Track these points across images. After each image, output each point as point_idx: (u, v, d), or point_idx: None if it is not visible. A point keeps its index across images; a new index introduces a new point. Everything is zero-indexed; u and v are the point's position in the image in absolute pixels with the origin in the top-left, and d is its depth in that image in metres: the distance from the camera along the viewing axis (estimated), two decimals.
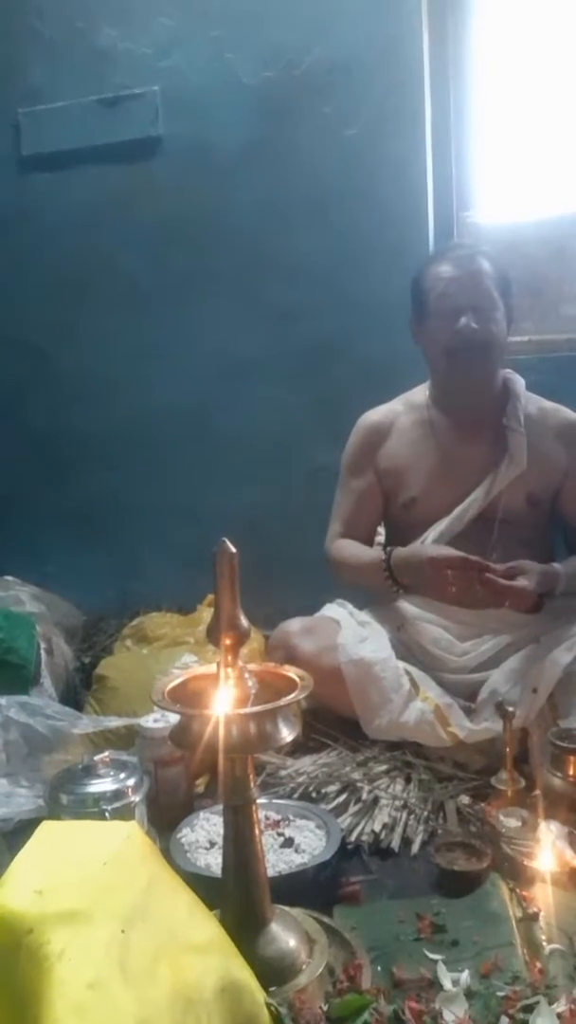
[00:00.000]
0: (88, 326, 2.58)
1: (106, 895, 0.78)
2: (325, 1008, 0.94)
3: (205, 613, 2.15)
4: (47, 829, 0.91)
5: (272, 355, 2.40)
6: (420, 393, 1.93)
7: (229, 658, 1.02)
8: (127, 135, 2.47)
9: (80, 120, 2.49)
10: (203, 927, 0.86)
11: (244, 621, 1.02)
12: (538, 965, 1.09)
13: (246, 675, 1.04)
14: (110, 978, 0.71)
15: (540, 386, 1.92)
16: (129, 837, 0.87)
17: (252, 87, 2.35)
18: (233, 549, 1.00)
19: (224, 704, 0.99)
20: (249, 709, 0.98)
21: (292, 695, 1.01)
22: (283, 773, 1.64)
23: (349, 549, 1.89)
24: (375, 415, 1.94)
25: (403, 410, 1.93)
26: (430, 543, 1.77)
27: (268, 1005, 0.88)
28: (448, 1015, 0.96)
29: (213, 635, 1.02)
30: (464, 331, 1.72)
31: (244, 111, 2.36)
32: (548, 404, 1.88)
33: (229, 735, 0.96)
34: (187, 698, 1.04)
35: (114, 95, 2.46)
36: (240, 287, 2.43)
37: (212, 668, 1.06)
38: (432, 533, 1.80)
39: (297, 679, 1.06)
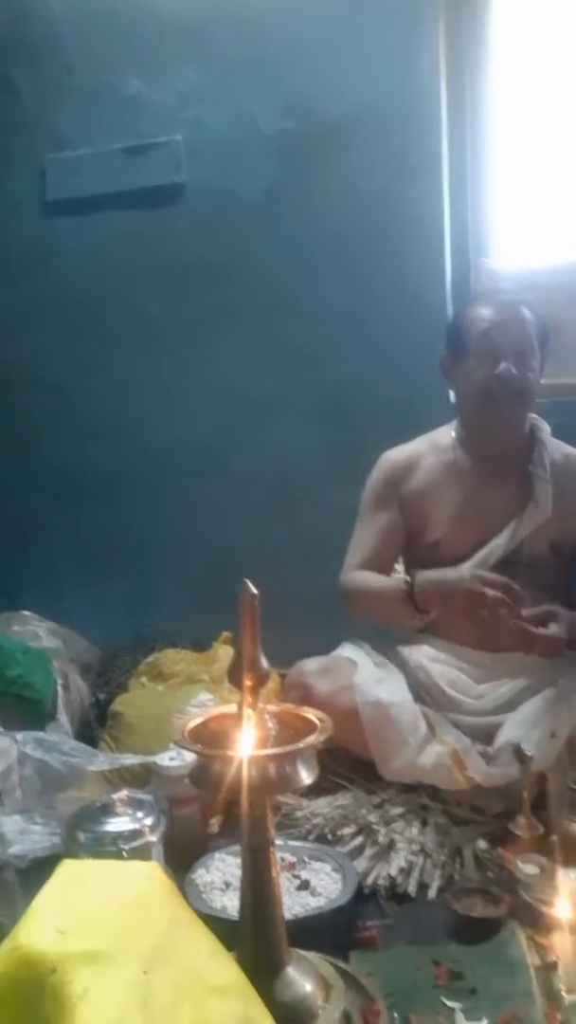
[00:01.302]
0: (107, 365, 2.62)
1: (128, 935, 0.79)
2: None
3: (220, 650, 2.15)
4: (68, 868, 0.91)
5: (288, 395, 2.43)
6: (445, 435, 1.93)
7: (250, 699, 1.03)
8: (150, 182, 2.52)
9: (104, 167, 2.55)
10: (224, 969, 0.86)
11: (265, 663, 1.03)
12: (558, 1016, 1.08)
13: (266, 716, 1.04)
14: (132, 1018, 0.71)
15: (557, 429, 1.93)
16: (150, 877, 0.87)
17: (272, 137, 2.41)
18: (255, 590, 1.01)
19: (246, 745, 0.99)
20: (271, 751, 0.99)
21: (312, 737, 1.02)
22: (299, 814, 1.63)
23: (367, 578, 1.86)
24: (398, 453, 1.94)
25: (427, 450, 1.93)
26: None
27: None
28: None
29: (234, 677, 1.03)
30: (504, 375, 1.74)
31: (264, 160, 2.42)
32: (572, 451, 1.89)
33: (250, 776, 0.97)
34: (207, 738, 1.05)
35: (138, 143, 2.52)
36: (258, 329, 2.46)
37: (232, 708, 1.07)
38: None
39: (316, 721, 1.06)
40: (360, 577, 1.89)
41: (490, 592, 1.62)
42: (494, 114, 2.34)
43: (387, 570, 1.93)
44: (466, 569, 1.74)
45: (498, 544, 1.79)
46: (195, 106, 2.48)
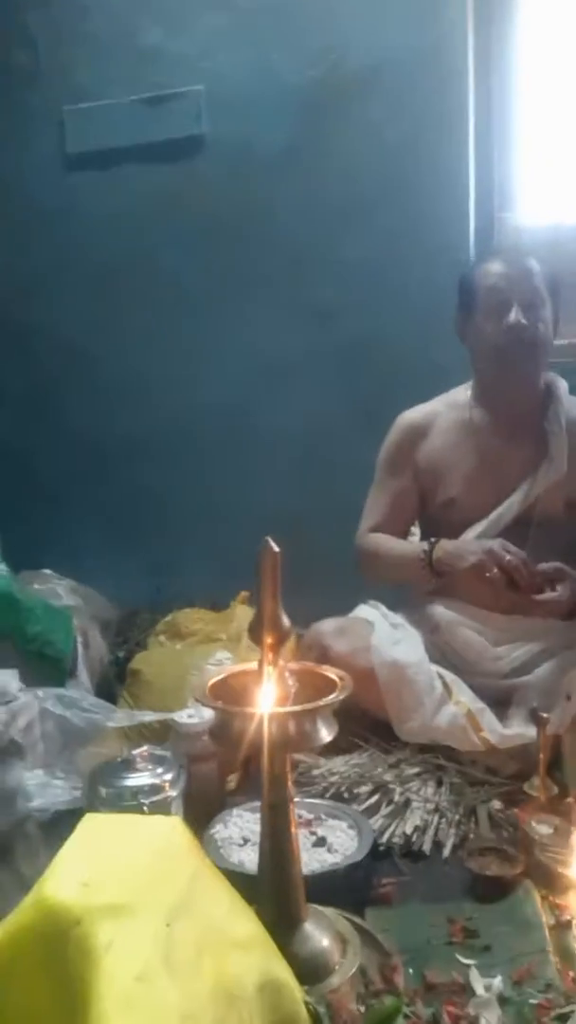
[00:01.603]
0: (129, 324, 2.60)
1: (151, 889, 0.80)
2: (360, 1009, 0.95)
3: (238, 610, 2.16)
4: (91, 821, 0.92)
5: (312, 354, 2.41)
6: (462, 393, 1.92)
7: (270, 656, 1.03)
8: (171, 134, 2.48)
9: (124, 118, 2.51)
10: (244, 923, 0.87)
11: (286, 620, 1.03)
12: (571, 974, 1.09)
13: (287, 674, 1.05)
14: (156, 971, 0.72)
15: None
16: (173, 831, 0.88)
17: (295, 87, 2.36)
18: (276, 548, 1.01)
19: (267, 702, 1.00)
20: (292, 708, 0.99)
21: (333, 695, 1.02)
22: (315, 772, 1.64)
23: (383, 541, 1.90)
24: (415, 414, 1.94)
25: (444, 410, 1.92)
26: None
27: (307, 1004, 0.88)
28: (483, 1021, 0.97)
29: (255, 633, 1.03)
30: (515, 327, 1.72)
31: (287, 111, 2.37)
32: None
33: (271, 733, 0.97)
34: (228, 695, 1.05)
35: (158, 94, 2.47)
36: (282, 286, 2.43)
37: (252, 666, 1.07)
38: (469, 535, 1.79)
39: (336, 679, 1.07)
40: (376, 540, 1.90)
41: (507, 556, 1.64)
42: (521, 66, 2.29)
43: (403, 534, 1.94)
44: (488, 540, 1.74)
45: (513, 502, 1.78)
46: (216, 55, 2.43)
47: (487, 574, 1.65)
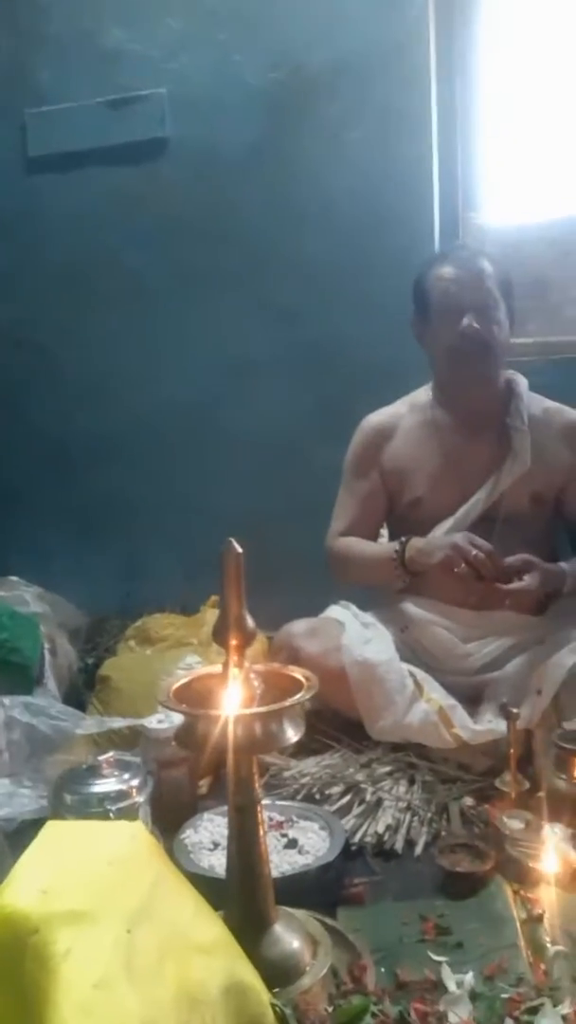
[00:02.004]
0: (93, 325, 2.58)
1: (112, 895, 0.79)
2: (329, 1010, 0.94)
3: (209, 614, 2.15)
4: (52, 829, 0.91)
5: (277, 354, 2.40)
6: (423, 394, 1.93)
7: (235, 658, 1.02)
8: (134, 136, 2.46)
9: (87, 121, 2.49)
10: (208, 927, 0.86)
11: (250, 621, 1.02)
12: (542, 967, 1.09)
13: (252, 675, 1.04)
14: (116, 978, 0.71)
15: (546, 388, 1.92)
16: (134, 837, 0.87)
17: (258, 88, 2.35)
18: (239, 549, 1.00)
19: (231, 704, 0.99)
20: (256, 709, 0.99)
21: (298, 695, 1.01)
22: (286, 774, 1.64)
23: (354, 544, 1.90)
24: (379, 417, 1.95)
25: (406, 411, 1.93)
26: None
27: (273, 1006, 0.87)
28: (453, 1017, 0.96)
29: (220, 635, 1.02)
30: (467, 331, 1.73)
31: (250, 112, 2.36)
32: (552, 404, 1.89)
33: (236, 735, 0.96)
34: (193, 698, 1.04)
35: (121, 96, 2.46)
36: (245, 287, 2.43)
37: (217, 668, 1.06)
38: (437, 532, 1.79)
39: (303, 679, 1.06)
40: (346, 543, 1.91)
41: (473, 551, 1.64)
42: (484, 66, 2.30)
43: (372, 535, 1.95)
44: (455, 535, 1.74)
45: (478, 499, 1.79)
46: (179, 58, 2.41)
47: (455, 569, 1.66)
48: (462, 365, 1.76)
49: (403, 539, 1.80)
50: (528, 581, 1.66)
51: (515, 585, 1.66)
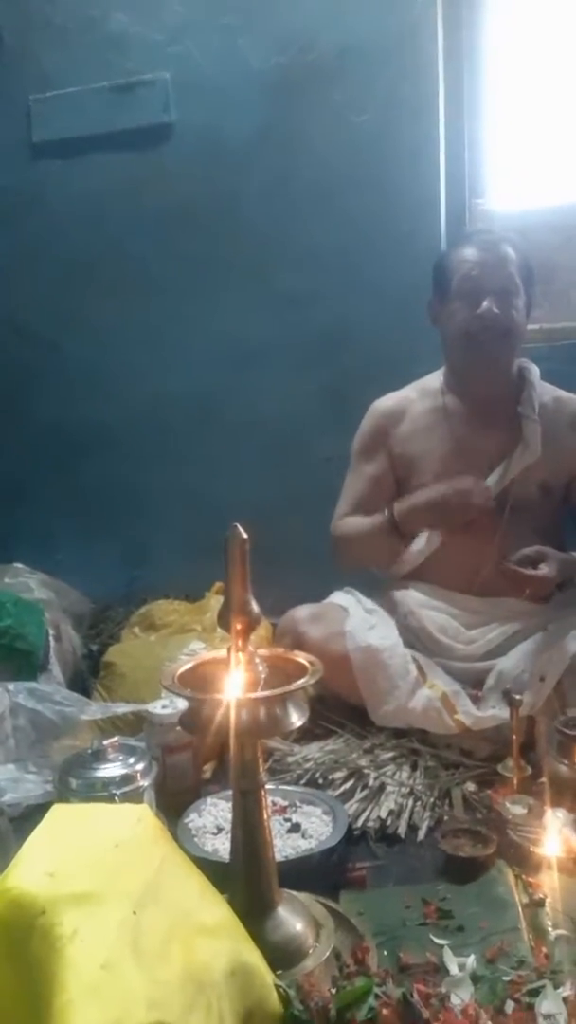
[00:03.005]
0: (97, 314, 2.57)
1: (118, 877, 0.79)
2: (333, 992, 0.95)
3: (213, 600, 2.15)
4: (58, 812, 0.92)
5: (281, 342, 2.40)
6: (434, 379, 1.92)
7: (240, 643, 1.03)
8: (138, 122, 2.45)
9: (91, 106, 2.48)
10: (214, 909, 0.87)
11: (255, 606, 1.02)
12: (543, 950, 1.10)
13: (256, 660, 1.04)
14: (122, 959, 0.72)
15: (552, 374, 1.91)
16: (140, 820, 0.88)
17: (263, 73, 2.34)
18: (244, 534, 1.00)
19: (235, 688, 0.99)
20: (260, 693, 0.99)
21: (302, 680, 1.02)
22: (290, 759, 1.65)
23: (354, 521, 1.90)
24: (388, 401, 1.94)
25: (416, 397, 1.92)
26: None
27: (277, 988, 0.88)
28: (455, 999, 0.97)
29: (224, 620, 1.03)
30: (486, 315, 1.72)
31: (255, 97, 2.35)
32: (563, 394, 1.88)
33: (240, 719, 0.97)
34: (197, 683, 1.05)
35: (125, 81, 2.44)
36: (250, 274, 2.42)
37: (222, 653, 1.06)
38: None
39: (307, 664, 1.06)
40: (347, 522, 1.91)
41: (476, 492, 1.68)
42: (491, 50, 2.28)
43: None
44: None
45: (487, 485, 1.78)
46: (183, 42, 2.40)
47: (463, 517, 1.69)
48: (477, 349, 1.76)
49: (390, 503, 1.81)
50: (546, 570, 1.66)
51: (535, 572, 1.66)
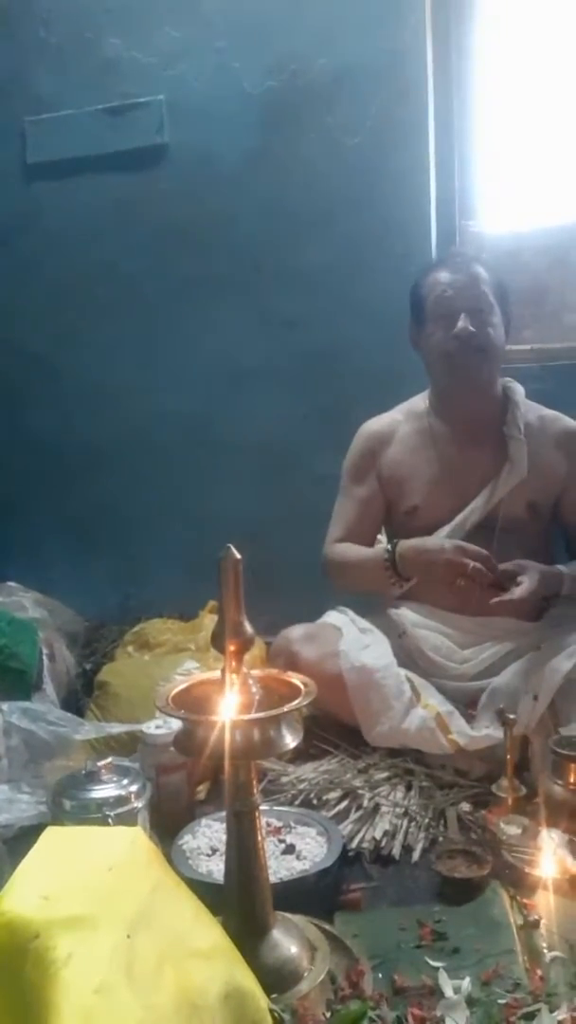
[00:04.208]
0: (92, 333, 2.59)
1: (112, 900, 0.79)
2: (327, 1015, 0.94)
3: (207, 620, 2.15)
4: (52, 835, 0.91)
5: (275, 362, 2.41)
6: (420, 401, 1.94)
7: (234, 664, 1.03)
8: (132, 143, 2.47)
9: (85, 128, 2.50)
10: (208, 933, 0.86)
11: (248, 627, 1.02)
12: (539, 972, 1.10)
13: (250, 681, 1.04)
14: (116, 983, 0.71)
15: (542, 395, 1.93)
16: (134, 843, 0.87)
17: (256, 96, 2.37)
18: (238, 555, 1.01)
19: (229, 710, 0.99)
20: (254, 715, 0.99)
21: (296, 701, 1.01)
22: (284, 780, 1.64)
23: (349, 549, 1.90)
24: (376, 423, 1.95)
25: (403, 419, 1.94)
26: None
27: (272, 1011, 0.88)
28: (450, 1022, 0.97)
29: (218, 641, 1.03)
30: (462, 334, 1.74)
31: (248, 120, 2.38)
32: (548, 412, 1.89)
33: (234, 741, 0.96)
34: (191, 704, 1.04)
35: (119, 104, 2.47)
36: (243, 294, 2.44)
37: (215, 674, 1.06)
38: None
39: (301, 685, 1.06)
40: (342, 549, 1.91)
41: (470, 564, 1.64)
42: (480, 73, 2.31)
43: (369, 541, 1.95)
44: (446, 539, 1.75)
45: (475, 507, 1.80)
46: (177, 65, 2.43)
47: (454, 585, 1.66)
48: (457, 369, 1.77)
49: (393, 541, 1.79)
50: (525, 585, 1.66)
51: (509, 595, 1.65)
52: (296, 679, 1.09)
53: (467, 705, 1.71)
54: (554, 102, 2.26)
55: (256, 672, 1.08)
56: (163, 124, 2.45)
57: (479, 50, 2.30)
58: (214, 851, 1.36)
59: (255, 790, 1.04)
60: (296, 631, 1.82)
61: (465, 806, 1.54)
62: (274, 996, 0.96)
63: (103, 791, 1.30)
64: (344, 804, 1.56)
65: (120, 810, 1.29)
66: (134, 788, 1.33)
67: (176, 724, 1.43)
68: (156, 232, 2.48)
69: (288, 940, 1.07)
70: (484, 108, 2.32)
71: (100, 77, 2.48)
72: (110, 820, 1.27)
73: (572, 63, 2.23)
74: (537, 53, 2.26)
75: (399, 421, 1.94)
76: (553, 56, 2.24)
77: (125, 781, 1.33)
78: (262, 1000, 0.86)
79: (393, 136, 2.27)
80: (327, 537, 1.95)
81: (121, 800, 1.30)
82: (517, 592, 1.65)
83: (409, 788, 1.60)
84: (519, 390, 1.88)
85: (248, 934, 1.02)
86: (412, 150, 2.27)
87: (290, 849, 1.35)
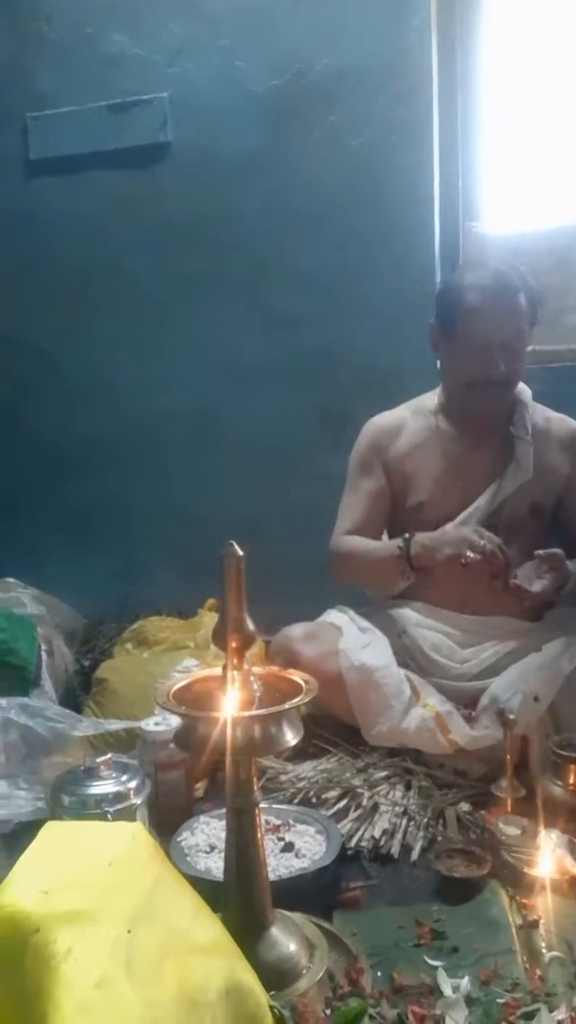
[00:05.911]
0: (93, 330, 2.59)
1: (112, 895, 0.79)
2: (327, 1012, 0.94)
3: (206, 617, 2.15)
4: (52, 829, 0.91)
5: (276, 361, 2.41)
6: (429, 400, 1.93)
7: (235, 661, 1.02)
8: (135, 141, 2.47)
9: (88, 125, 2.50)
10: (208, 928, 0.86)
11: (250, 624, 1.02)
12: (538, 972, 1.09)
13: (251, 678, 1.04)
14: (116, 978, 0.71)
15: (544, 396, 1.93)
16: (134, 837, 0.87)
17: (260, 95, 2.36)
18: (240, 552, 1.00)
19: (231, 706, 0.99)
20: (256, 712, 0.99)
21: (298, 698, 1.01)
22: (283, 778, 1.64)
23: (358, 541, 1.88)
24: (383, 418, 1.94)
25: (411, 415, 1.93)
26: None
27: (272, 1008, 0.88)
28: (449, 1021, 0.96)
29: (219, 638, 1.02)
30: (492, 372, 1.72)
31: (252, 118, 2.37)
32: (554, 414, 1.89)
33: (235, 738, 0.96)
34: (191, 700, 1.04)
35: (122, 101, 2.47)
36: (245, 293, 2.44)
37: (216, 671, 1.06)
38: None
39: (302, 683, 1.06)
40: (351, 541, 1.89)
41: (482, 542, 1.63)
42: (485, 74, 2.31)
43: (376, 535, 1.94)
44: (461, 526, 1.74)
45: (479, 506, 1.80)
46: (181, 62, 2.42)
47: (463, 561, 1.62)
48: (478, 397, 1.77)
49: (407, 535, 1.78)
50: (541, 586, 1.64)
51: (529, 586, 1.64)
52: (297, 676, 1.08)
53: (467, 705, 1.70)
54: (559, 103, 2.26)
55: (257, 669, 1.08)
56: (166, 122, 2.45)
57: (484, 50, 2.30)
58: (212, 848, 1.36)
59: (255, 787, 1.04)
60: (296, 630, 1.82)
61: (464, 806, 1.54)
62: (273, 993, 0.95)
63: (102, 787, 1.30)
64: (343, 803, 1.55)
65: (119, 806, 1.29)
66: (133, 784, 1.32)
67: (175, 721, 1.43)
68: (158, 229, 2.48)
69: (287, 937, 1.06)
70: (488, 108, 2.32)
71: (103, 74, 2.48)
72: (109, 816, 1.26)
73: None
74: (542, 53, 2.26)
75: (406, 417, 1.93)
76: (558, 56, 2.24)
77: (124, 777, 1.33)
78: (262, 996, 0.86)
79: (397, 136, 2.27)
80: (335, 530, 1.93)
81: (120, 796, 1.30)
82: (537, 585, 1.64)
83: (408, 787, 1.60)
84: (527, 392, 1.88)
85: (247, 931, 1.01)
86: (416, 150, 2.27)
87: (289, 847, 1.35)
